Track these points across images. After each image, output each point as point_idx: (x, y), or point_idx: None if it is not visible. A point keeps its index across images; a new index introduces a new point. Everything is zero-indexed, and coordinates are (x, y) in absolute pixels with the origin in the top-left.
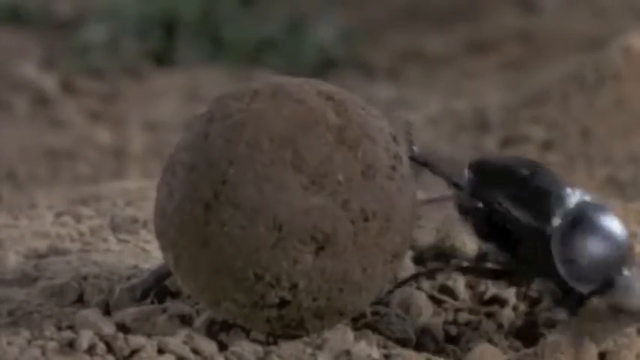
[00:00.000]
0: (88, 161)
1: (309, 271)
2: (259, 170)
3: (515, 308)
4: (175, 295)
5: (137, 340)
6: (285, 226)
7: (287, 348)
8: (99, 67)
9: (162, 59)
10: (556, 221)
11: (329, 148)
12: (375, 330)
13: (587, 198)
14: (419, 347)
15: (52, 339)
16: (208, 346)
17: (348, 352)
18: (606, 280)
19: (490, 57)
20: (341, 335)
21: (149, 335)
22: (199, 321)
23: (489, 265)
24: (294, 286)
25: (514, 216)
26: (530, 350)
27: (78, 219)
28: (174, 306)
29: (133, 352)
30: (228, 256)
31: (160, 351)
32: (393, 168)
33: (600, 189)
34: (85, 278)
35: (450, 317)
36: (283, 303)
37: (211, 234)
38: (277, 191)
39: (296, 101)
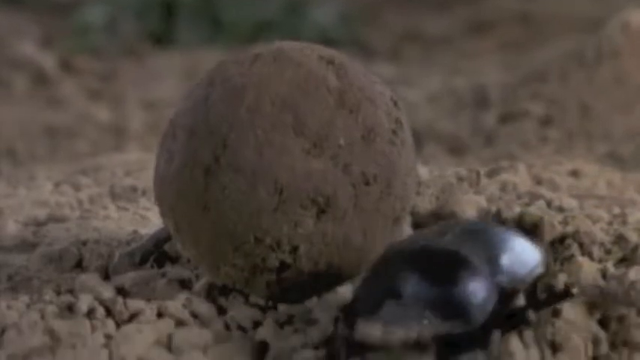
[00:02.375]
0: (87, 139)
1: (310, 235)
2: (260, 134)
3: None
4: (175, 259)
5: (136, 303)
6: (286, 189)
7: (285, 312)
8: (98, 47)
9: (162, 40)
10: None
11: (330, 112)
12: None
13: None
14: None
15: (51, 303)
16: (207, 310)
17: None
18: None
19: (489, 38)
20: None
21: (148, 299)
22: (199, 285)
23: None
24: (294, 250)
25: None
26: None
27: (77, 188)
28: (173, 270)
29: (133, 316)
30: (228, 220)
31: (160, 314)
32: (394, 132)
33: (600, 165)
34: (84, 244)
35: None
36: (283, 267)
37: (212, 198)
38: (278, 155)
39: (297, 65)
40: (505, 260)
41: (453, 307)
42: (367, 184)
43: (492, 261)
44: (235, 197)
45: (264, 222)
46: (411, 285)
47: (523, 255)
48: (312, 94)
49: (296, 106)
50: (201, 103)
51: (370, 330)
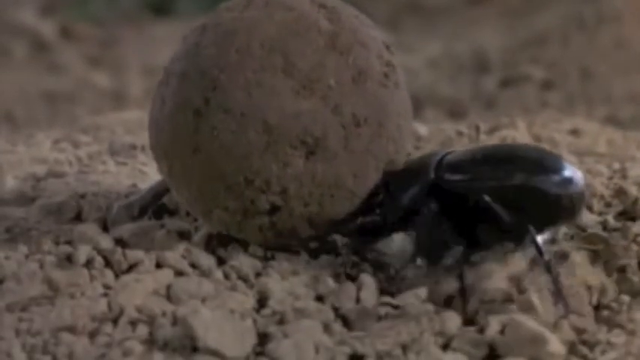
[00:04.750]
0: (87, 104)
1: (300, 176)
2: (249, 76)
3: None
4: (173, 212)
5: (135, 254)
6: (275, 130)
7: (284, 261)
8: (98, 15)
9: (161, 10)
10: None
11: (320, 54)
12: None
13: None
14: None
15: (50, 253)
16: (207, 261)
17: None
18: None
19: (489, 7)
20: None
21: (147, 250)
22: (198, 236)
23: None
24: (284, 191)
25: None
26: None
27: (76, 145)
28: (172, 222)
29: (132, 267)
30: (219, 161)
31: (159, 265)
32: (386, 75)
33: (600, 128)
34: (83, 196)
35: None
36: (274, 209)
37: (202, 140)
38: (267, 96)
39: (288, 8)
40: None
41: None
42: (358, 125)
43: None
44: (225, 138)
45: (254, 163)
46: None
47: None
48: (302, 36)
49: (286, 47)
50: (192, 48)
51: None
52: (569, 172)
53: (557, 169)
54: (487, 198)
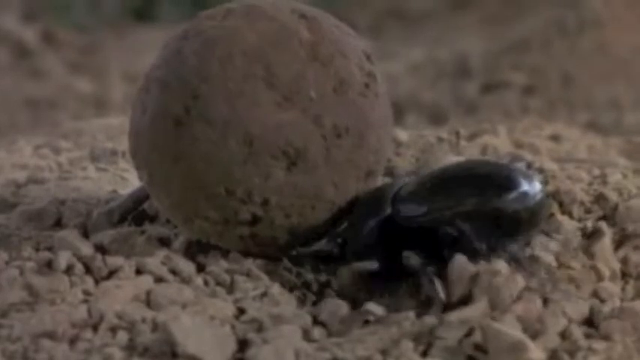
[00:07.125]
0: (69, 110)
1: (281, 187)
2: (231, 86)
3: None
4: (153, 218)
5: (115, 260)
6: (257, 141)
7: (264, 268)
8: (80, 22)
9: (143, 16)
10: None
11: (301, 65)
12: None
13: None
14: None
15: (30, 259)
16: (187, 267)
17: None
18: None
19: (471, 13)
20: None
21: (127, 256)
22: (178, 242)
23: None
24: (265, 202)
25: None
26: None
27: (57, 151)
28: (152, 228)
29: (112, 273)
30: (199, 171)
31: (138, 271)
32: (367, 85)
33: (581, 134)
34: (63, 203)
35: None
36: (255, 219)
37: (183, 149)
38: (249, 107)
39: (269, 18)
40: None
41: None
42: (339, 136)
43: None
44: (206, 148)
45: (235, 173)
46: None
47: None
48: (284, 47)
49: (267, 58)
50: (174, 56)
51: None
52: (525, 184)
53: (512, 183)
54: (448, 229)
